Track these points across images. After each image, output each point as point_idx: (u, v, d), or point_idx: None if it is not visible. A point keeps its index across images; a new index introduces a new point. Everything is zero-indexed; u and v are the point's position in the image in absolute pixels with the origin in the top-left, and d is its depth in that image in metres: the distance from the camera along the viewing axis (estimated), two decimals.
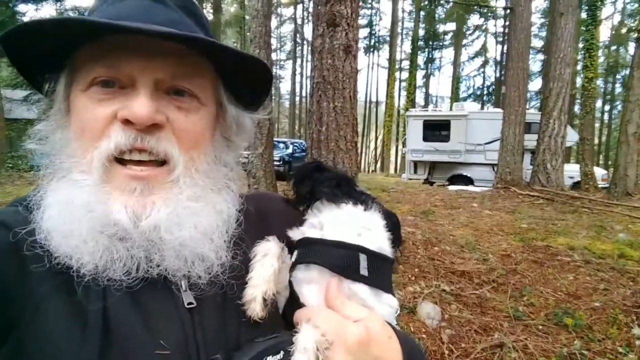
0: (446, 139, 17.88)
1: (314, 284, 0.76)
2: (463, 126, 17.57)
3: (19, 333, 0.60)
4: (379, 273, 0.77)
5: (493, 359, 3.50)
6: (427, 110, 21.19)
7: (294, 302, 0.77)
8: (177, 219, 0.69)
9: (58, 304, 0.63)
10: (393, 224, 0.84)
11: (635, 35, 13.21)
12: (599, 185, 14.43)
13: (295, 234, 0.83)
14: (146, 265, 0.68)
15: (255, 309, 0.71)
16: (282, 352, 0.63)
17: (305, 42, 47.99)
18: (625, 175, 12.31)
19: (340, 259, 0.75)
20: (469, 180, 17.35)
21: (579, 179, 14.76)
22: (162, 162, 0.70)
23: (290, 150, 21.01)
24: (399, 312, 0.81)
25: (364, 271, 0.74)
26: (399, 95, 44.65)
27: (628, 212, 9.41)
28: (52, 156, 0.73)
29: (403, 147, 23.55)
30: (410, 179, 19.14)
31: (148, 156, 0.68)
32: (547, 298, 4.51)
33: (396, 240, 0.84)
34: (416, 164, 19.11)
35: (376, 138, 50.60)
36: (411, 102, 36.37)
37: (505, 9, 31.79)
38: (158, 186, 0.69)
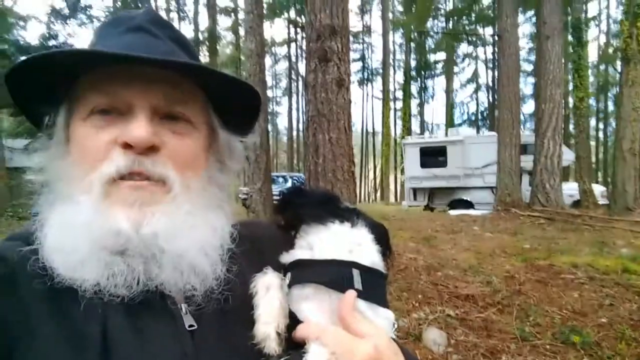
0: (443, 164, 17.99)
1: (312, 301, 0.76)
2: (459, 151, 17.72)
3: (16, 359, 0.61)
4: (374, 287, 0.77)
5: None
6: (423, 137, 21.41)
7: (291, 320, 0.76)
8: (175, 230, 0.71)
9: (56, 326, 0.64)
10: (381, 235, 0.85)
11: (621, 54, 13.53)
12: (599, 202, 14.45)
13: (287, 257, 0.83)
14: (145, 278, 0.69)
15: (271, 345, 0.71)
16: None
17: (300, 78, 48.90)
18: (624, 191, 12.37)
19: (334, 276, 0.75)
20: (469, 204, 17.34)
21: (579, 197, 14.80)
22: (159, 182, 0.72)
23: (289, 184, 21.15)
24: (396, 325, 0.81)
25: (358, 285, 0.74)
26: (395, 125, 45.16)
27: (629, 227, 9.41)
28: (51, 184, 0.75)
29: (402, 174, 23.68)
30: (411, 206, 19.11)
31: (145, 180, 0.71)
32: (553, 317, 4.48)
33: (386, 251, 0.84)
34: (415, 190, 19.14)
35: (375, 167, 50.82)
36: (407, 130, 36.69)
37: (493, 36, 32.62)
38: (157, 200, 0.71)
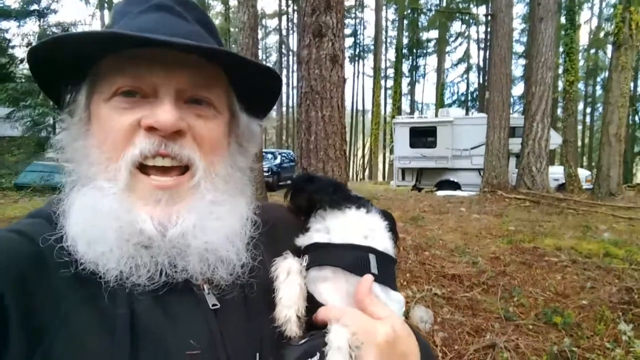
0: (433, 145, 18.09)
1: (329, 283, 0.79)
2: (449, 132, 17.79)
3: (48, 343, 0.60)
4: (387, 272, 0.80)
5: None
6: (413, 117, 21.41)
7: (309, 302, 0.78)
8: (201, 224, 0.71)
9: (85, 310, 0.64)
10: (390, 223, 0.88)
11: (612, 39, 13.55)
12: (583, 187, 14.70)
13: (303, 240, 0.85)
14: (170, 271, 0.70)
15: (292, 328, 0.73)
16: (318, 354, 0.65)
17: (290, 52, 48.27)
18: (608, 176, 12.57)
19: (353, 259, 0.78)
20: (456, 186, 17.54)
21: (564, 181, 15.03)
22: (183, 168, 0.73)
23: (278, 161, 21.09)
24: (404, 308, 0.84)
25: (374, 270, 0.77)
26: (385, 103, 45.06)
27: (612, 212, 9.63)
28: (73, 164, 0.75)
29: (391, 154, 23.76)
30: (399, 186, 19.27)
31: (171, 161, 0.71)
32: (536, 298, 4.60)
33: (395, 237, 0.87)
34: (404, 170, 19.27)
35: (363, 146, 50.89)
36: (397, 110, 36.71)
37: (486, 15, 32.41)
38: (181, 194, 0.72)
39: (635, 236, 7.08)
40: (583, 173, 16.72)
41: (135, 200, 0.69)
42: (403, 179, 19.36)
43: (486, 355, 3.61)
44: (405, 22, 43.54)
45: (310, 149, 5.56)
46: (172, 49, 0.67)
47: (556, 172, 15.66)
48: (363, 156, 51.48)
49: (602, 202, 11.08)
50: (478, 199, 12.17)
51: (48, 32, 21.03)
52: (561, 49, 17.04)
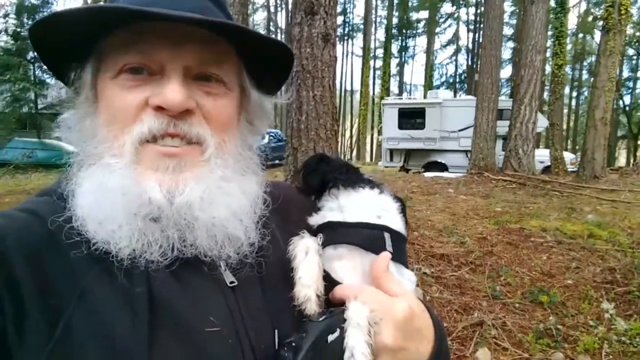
0: (421, 126, 18.09)
1: (345, 261, 0.79)
2: (437, 114, 17.79)
3: (66, 321, 0.60)
4: (400, 251, 0.81)
5: (474, 337, 3.65)
6: (402, 99, 21.35)
7: (325, 279, 0.78)
8: (209, 198, 0.70)
9: (103, 289, 0.63)
10: (401, 206, 0.88)
11: (601, 23, 13.60)
12: (568, 169, 14.92)
13: (316, 219, 0.85)
14: (180, 245, 0.68)
15: (312, 307, 0.73)
16: (338, 330, 0.66)
17: (279, 30, 47.52)
18: (592, 159, 12.78)
19: (368, 238, 0.78)
20: (443, 167, 17.63)
21: (549, 164, 15.22)
22: (194, 143, 0.71)
23: (266, 141, 20.95)
24: (415, 285, 0.86)
25: (389, 248, 0.78)
26: (374, 84, 44.84)
27: (596, 194, 9.81)
28: (81, 143, 0.72)
29: (379, 135, 23.76)
30: (387, 167, 19.29)
31: (180, 142, 0.69)
32: (522, 277, 4.71)
33: (405, 221, 0.88)
34: (392, 151, 19.28)
35: (351, 127, 50.80)
36: (386, 91, 36.60)
37: None
38: (190, 164, 0.70)
39: (618, 218, 7.23)
40: (568, 156, 16.96)
41: (143, 170, 0.67)
42: (391, 160, 19.39)
43: (474, 333, 3.69)
44: (395, 1, 43.11)
45: (301, 128, 5.51)
46: (178, 23, 0.65)
47: (542, 155, 15.82)
48: (351, 137, 51.46)
49: (586, 185, 11.27)
50: (465, 181, 12.28)
51: (26, 3, 20.35)
52: (550, 33, 16.99)
